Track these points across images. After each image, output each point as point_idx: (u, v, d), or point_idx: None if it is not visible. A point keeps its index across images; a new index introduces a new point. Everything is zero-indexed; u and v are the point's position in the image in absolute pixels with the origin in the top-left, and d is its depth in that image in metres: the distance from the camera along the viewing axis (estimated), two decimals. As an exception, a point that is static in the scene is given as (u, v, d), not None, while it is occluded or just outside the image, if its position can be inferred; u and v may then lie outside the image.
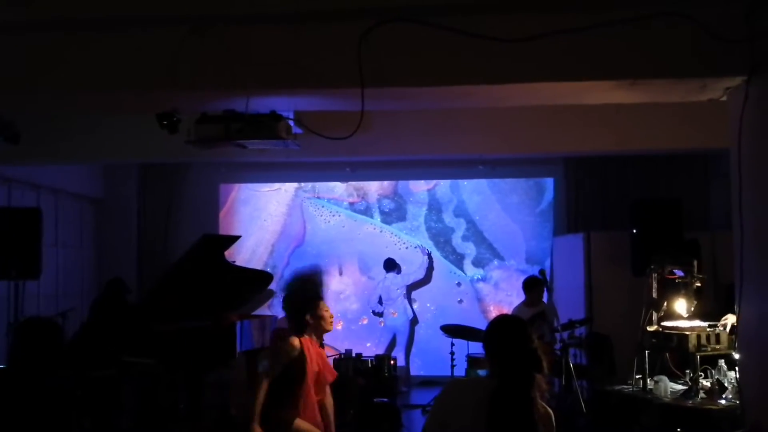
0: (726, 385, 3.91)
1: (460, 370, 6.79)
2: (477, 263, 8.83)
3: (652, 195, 8.06)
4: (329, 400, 3.82)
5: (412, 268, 8.72)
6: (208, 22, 3.53)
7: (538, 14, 3.39)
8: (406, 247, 8.86)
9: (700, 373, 4.00)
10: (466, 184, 8.85)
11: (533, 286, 6.45)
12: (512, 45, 3.35)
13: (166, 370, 5.65)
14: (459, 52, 3.43)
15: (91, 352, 5.40)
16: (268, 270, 7.74)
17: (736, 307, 3.51)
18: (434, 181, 8.89)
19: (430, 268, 8.77)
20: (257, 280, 6.59)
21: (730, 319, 4.07)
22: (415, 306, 8.71)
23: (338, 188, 9.00)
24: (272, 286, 7.29)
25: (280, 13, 3.51)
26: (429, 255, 8.77)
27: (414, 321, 8.67)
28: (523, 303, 6.74)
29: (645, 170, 8.31)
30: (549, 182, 8.78)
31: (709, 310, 4.28)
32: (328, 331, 3.82)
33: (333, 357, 6.72)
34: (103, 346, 5.49)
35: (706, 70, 3.38)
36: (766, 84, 3.22)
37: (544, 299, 6.61)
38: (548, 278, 7.12)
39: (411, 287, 8.69)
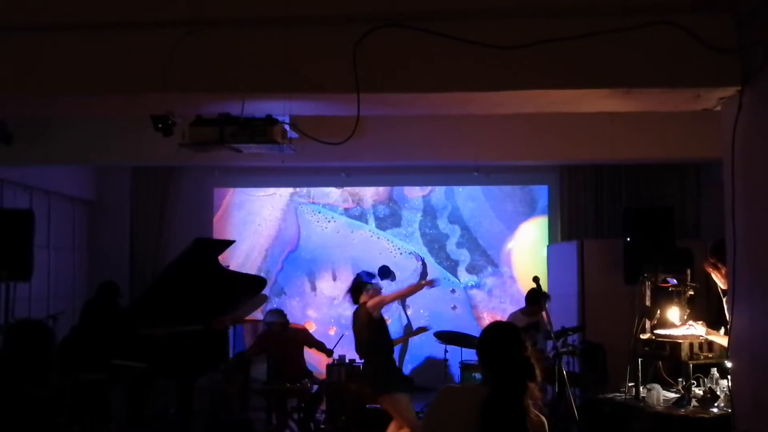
0: (718, 393, 3.91)
1: (454, 377, 6.77)
2: (471, 270, 8.83)
3: (644, 203, 8.10)
4: None
5: (406, 274, 8.70)
6: (202, 25, 3.53)
7: (533, 21, 3.41)
8: (401, 253, 8.86)
9: (692, 382, 4.00)
10: (461, 190, 8.86)
11: (536, 298, 6.46)
12: (507, 52, 3.36)
13: (157, 375, 5.63)
14: (454, 58, 3.44)
15: (81, 356, 5.36)
16: (262, 275, 7.72)
17: (728, 316, 3.52)
18: (429, 188, 8.90)
19: (423, 275, 8.76)
20: (251, 285, 6.58)
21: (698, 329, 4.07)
22: (408, 312, 8.69)
23: (333, 193, 8.99)
24: (266, 290, 7.28)
25: (275, 17, 3.52)
26: (423, 262, 8.76)
27: (408, 328, 8.65)
28: (521, 311, 6.74)
29: (638, 178, 8.35)
30: (543, 190, 8.80)
31: (702, 319, 4.28)
32: None
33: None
34: (93, 350, 5.46)
35: (700, 80, 3.40)
36: (759, 94, 3.24)
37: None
38: (542, 285, 7.13)
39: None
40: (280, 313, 6.79)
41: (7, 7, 3.58)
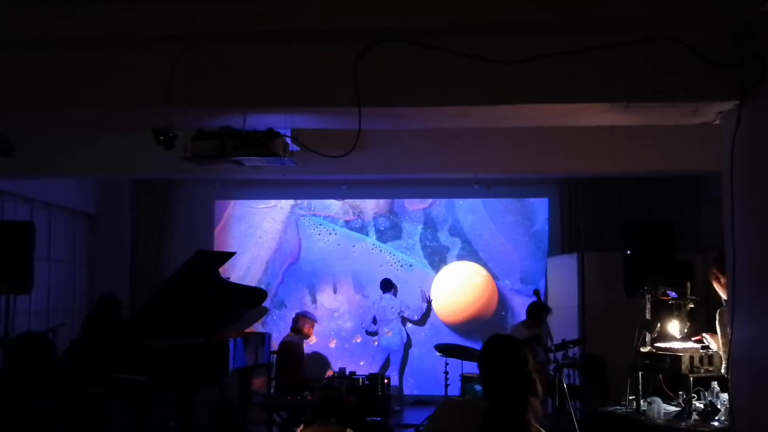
0: (719, 407, 3.91)
1: (454, 390, 6.75)
2: (471, 282, 8.81)
3: (644, 216, 8.11)
4: None
5: (413, 308, 8.57)
6: (204, 40, 3.56)
7: (532, 36, 3.44)
8: (401, 266, 8.85)
9: (693, 395, 3.99)
10: (461, 203, 8.87)
11: (537, 311, 6.48)
12: (507, 66, 3.39)
13: (157, 388, 5.61)
14: (455, 72, 3.47)
15: (81, 369, 5.35)
16: (263, 287, 7.72)
17: (728, 329, 3.52)
18: (430, 200, 8.92)
19: (426, 315, 8.71)
20: (251, 297, 6.57)
21: (712, 342, 4.10)
22: (408, 325, 8.67)
23: (334, 206, 9.01)
24: (266, 303, 7.27)
25: (276, 32, 3.55)
26: (429, 301, 8.70)
27: (408, 345, 8.63)
28: (522, 323, 6.76)
29: (637, 192, 8.37)
30: (543, 202, 8.82)
31: (702, 332, 4.28)
32: None
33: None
34: (93, 363, 5.44)
35: (699, 94, 3.42)
36: (757, 108, 3.26)
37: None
38: (543, 298, 7.13)
39: (405, 319, 8.62)
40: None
41: (9, 23, 3.62)
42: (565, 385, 5.42)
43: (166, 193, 8.87)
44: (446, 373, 6.81)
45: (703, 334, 4.21)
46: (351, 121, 3.54)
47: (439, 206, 8.91)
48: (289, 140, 4.02)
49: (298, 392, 6.35)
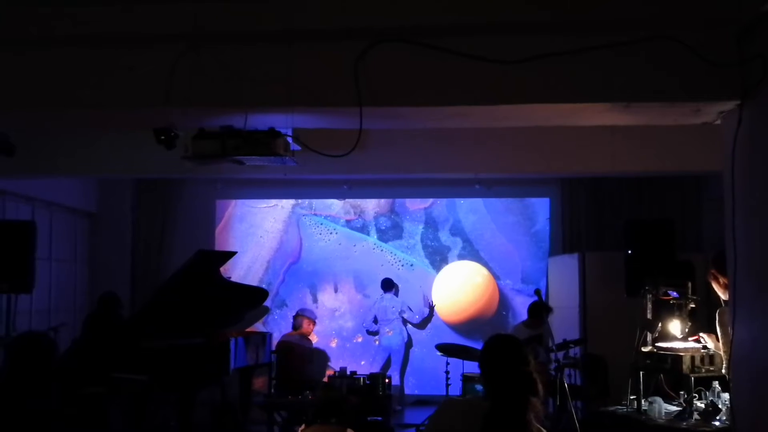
0: (720, 406, 3.91)
1: (455, 390, 6.75)
2: (472, 282, 8.80)
3: (645, 216, 8.10)
4: None
5: (414, 309, 8.52)
6: (205, 40, 3.56)
7: (532, 36, 3.44)
8: (402, 265, 8.85)
9: (694, 395, 3.99)
10: (462, 203, 8.87)
11: (538, 311, 6.48)
12: (507, 66, 3.39)
13: (157, 388, 5.62)
14: (455, 72, 3.47)
15: (82, 369, 5.36)
16: (264, 286, 7.72)
17: (729, 329, 3.52)
18: (431, 200, 8.92)
19: (427, 319, 8.70)
20: (252, 297, 6.58)
21: (709, 342, 4.10)
22: (409, 325, 8.66)
23: (335, 205, 9.01)
24: (267, 302, 7.27)
25: (276, 32, 3.55)
26: (431, 307, 8.68)
27: (409, 344, 8.63)
28: (523, 323, 6.76)
29: (638, 191, 8.36)
30: (544, 202, 8.81)
31: (703, 332, 4.28)
32: None
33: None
34: (94, 363, 5.45)
35: (700, 94, 3.42)
36: (758, 108, 3.26)
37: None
38: (544, 298, 7.14)
39: (406, 320, 8.60)
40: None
41: (9, 23, 3.62)
42: (566, 385, 5.42)
43: (167, 192, 8.87)
44: (447, 372, 6.81)
45: (701, 334, 4.21)
46: (352, 120, 3.54)
47: (440, 206, 8.91)
48: (290, 140, 4.03)
49: (299, 392, 6.35)
